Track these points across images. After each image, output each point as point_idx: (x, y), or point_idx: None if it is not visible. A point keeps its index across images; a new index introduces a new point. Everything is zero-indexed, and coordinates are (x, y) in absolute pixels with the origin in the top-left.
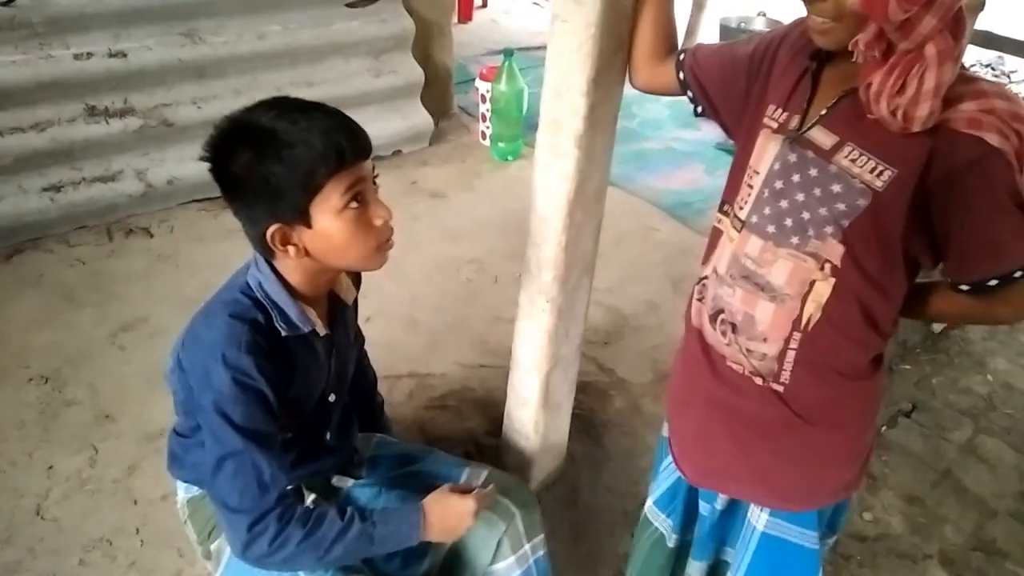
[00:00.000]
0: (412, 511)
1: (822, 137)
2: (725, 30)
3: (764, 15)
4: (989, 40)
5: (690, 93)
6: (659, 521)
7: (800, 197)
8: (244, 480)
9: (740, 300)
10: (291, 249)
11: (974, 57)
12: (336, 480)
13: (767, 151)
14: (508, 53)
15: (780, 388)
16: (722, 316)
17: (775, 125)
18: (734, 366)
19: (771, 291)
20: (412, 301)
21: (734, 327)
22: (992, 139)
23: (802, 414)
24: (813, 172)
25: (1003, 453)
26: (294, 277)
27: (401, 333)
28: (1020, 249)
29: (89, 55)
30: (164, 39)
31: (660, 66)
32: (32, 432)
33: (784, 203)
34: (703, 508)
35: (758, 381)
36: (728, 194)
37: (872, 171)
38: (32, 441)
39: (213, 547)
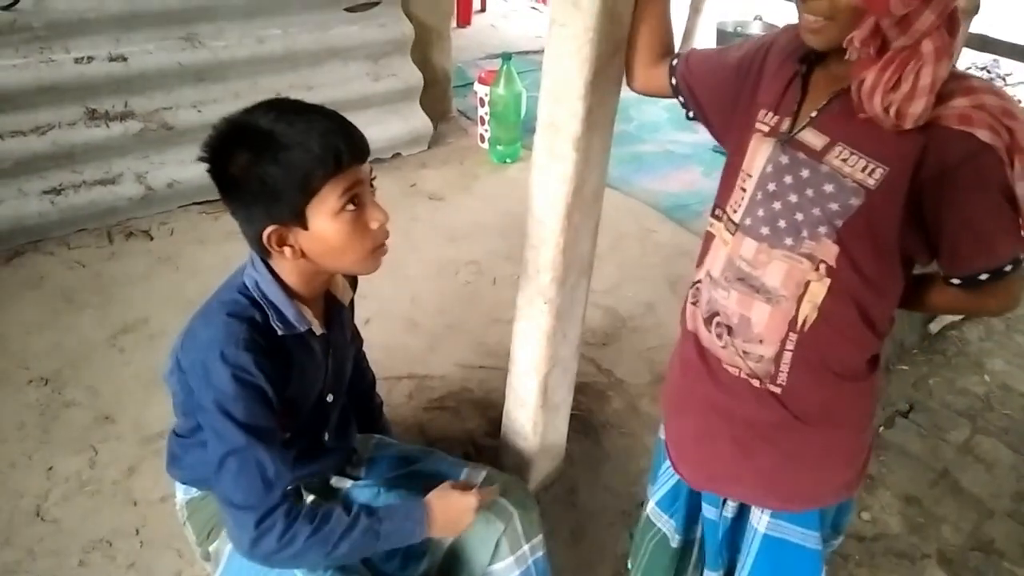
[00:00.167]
0: (416, 507)
1: (813, 138)
2: (721, 34)
3: (760, 19)
4: (984, 43)
5: (681, 98)
6: (662, 522)
7: (793, 198)
8: (248, 476)
9: (735, 302)
10: (287, 250)
11: (969, 60)
12: (335, 481)
13: (759, 154)
14: (506, 57)
15: (777, 390)
16: (717, 319)
17: (766, 128)
18: (730, 369)
19: (766, 293)
20: (411, 303)
21: (730, 329)
22: (983, 135)
23: (800, 415)
24: (805, 173)
25: (1000, 453)
26: (291, 277)
27: (400, 335)
28: (1010, 244)
29: (90, 59)
30: (164, 43)
31: (656, 69)
32: (32, 433)
33: (777, 205)
34: (712, 514)
35: (755, 383)
36: (721, 198)
37: (864, 170)
38: (32, 442)
39: (212, 548)
